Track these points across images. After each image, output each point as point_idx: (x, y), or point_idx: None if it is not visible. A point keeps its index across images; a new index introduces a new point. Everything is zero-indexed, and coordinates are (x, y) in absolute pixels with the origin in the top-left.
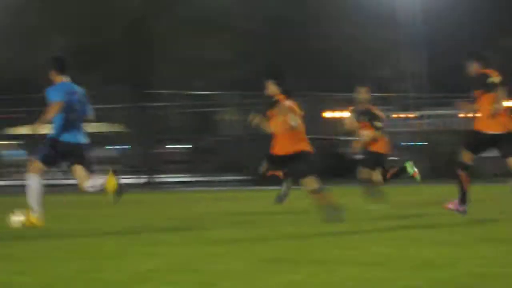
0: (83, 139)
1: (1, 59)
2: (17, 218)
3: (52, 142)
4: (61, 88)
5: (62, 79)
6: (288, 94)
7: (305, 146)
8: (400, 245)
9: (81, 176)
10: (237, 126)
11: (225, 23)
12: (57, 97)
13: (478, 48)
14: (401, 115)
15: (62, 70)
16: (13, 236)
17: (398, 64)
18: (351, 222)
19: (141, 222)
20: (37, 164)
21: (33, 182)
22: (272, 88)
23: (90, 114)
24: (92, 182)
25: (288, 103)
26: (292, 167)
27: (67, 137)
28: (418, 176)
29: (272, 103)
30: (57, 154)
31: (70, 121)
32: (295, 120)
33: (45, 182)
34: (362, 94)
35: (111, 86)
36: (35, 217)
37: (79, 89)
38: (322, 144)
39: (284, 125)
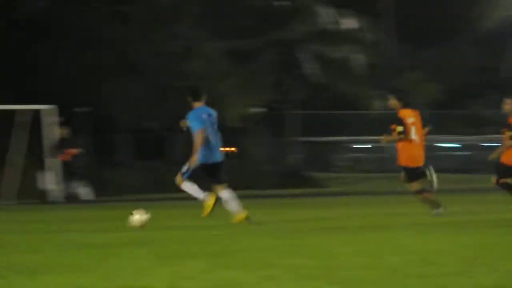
0: (216, 158)
1: None
2: (136, 217)
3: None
4: (199, 112)
5: (198, 105)
6: (407, 106)
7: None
8: None
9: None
10: None
11: None
12: (198, 124)
13: None
14: None
15: (198, 98)
16: None
17: None
18: None
19: None
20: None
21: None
22: (393, 102)
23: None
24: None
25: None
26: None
27: (202, 159)
28: None
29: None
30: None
31: (207, 142)
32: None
33: None
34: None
35: None
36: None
37: (212, 112)
38: None
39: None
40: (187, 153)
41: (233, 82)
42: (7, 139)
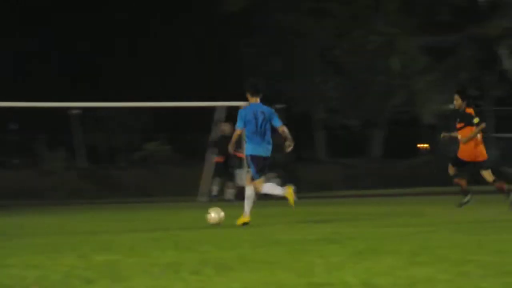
0: (263, 152)
1: None
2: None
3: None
4: (246, 111)
5: (254, 101)
6: (470, 106)
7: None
8: None
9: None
10: None
11: None
12: (239, 124)
13: None
14: None
15: (256, 94)
16: None
17: None
18: None
19: None
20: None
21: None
22: (458, 101)
23: (278, 126)
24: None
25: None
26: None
27: (250, 151)
28: None
29: (459, 115)
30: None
31: (253, 137)
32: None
33: None
34: None
35: None
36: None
37: (266, 109)
38: None
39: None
40: (383, 151)
41: (431, 78)
42: (206, 136)
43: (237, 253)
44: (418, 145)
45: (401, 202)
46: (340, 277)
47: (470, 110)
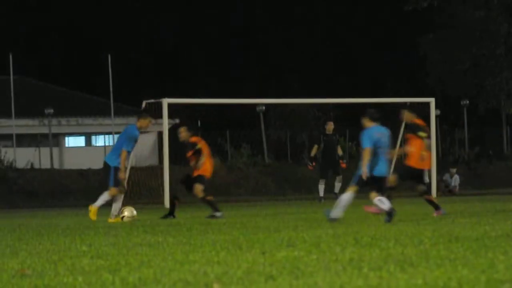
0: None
1: None
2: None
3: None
4: (131, 134)
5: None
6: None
7: None
8: None
9: None
10: None
11: None
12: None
13: None
14: None
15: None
16: None
17: None
18: None
19: None
20: None
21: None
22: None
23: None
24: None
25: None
26: None
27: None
28: None
29: None
30: None
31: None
32: None
33: None
34: None
35: None
36: None
37: (132, 132)
38: None
39: None
40: None
41: None
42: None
43: (419, 249)
44: None
45: None
46: None
47: (195, 139)
